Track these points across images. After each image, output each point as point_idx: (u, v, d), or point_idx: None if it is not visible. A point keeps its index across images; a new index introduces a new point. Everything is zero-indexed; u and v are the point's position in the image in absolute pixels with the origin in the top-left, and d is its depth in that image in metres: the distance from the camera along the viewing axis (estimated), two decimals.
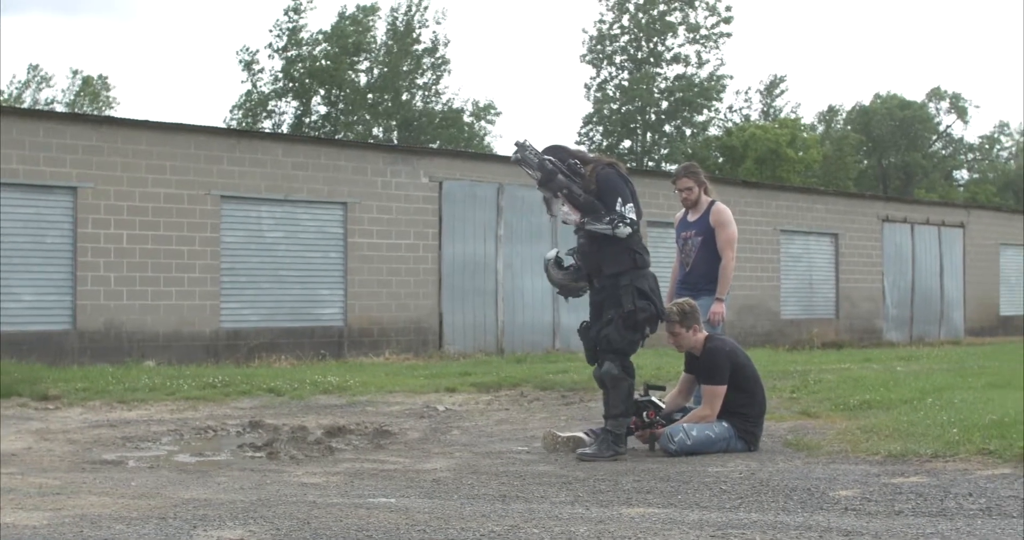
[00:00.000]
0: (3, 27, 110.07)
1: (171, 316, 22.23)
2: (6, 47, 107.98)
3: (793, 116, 72.52)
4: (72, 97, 75.23)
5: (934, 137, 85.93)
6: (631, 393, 9.69)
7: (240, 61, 66.93)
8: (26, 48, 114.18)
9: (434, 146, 59.90)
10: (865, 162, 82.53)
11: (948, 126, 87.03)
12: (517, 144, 9.67)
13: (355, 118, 67.16)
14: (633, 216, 9.63)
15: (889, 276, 37.01)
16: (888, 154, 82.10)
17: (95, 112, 69.19)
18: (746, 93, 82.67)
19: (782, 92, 78.18)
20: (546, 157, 9.63)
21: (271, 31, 70.62)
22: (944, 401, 12.11)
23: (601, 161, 9.92)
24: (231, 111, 68.06)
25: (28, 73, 78.02)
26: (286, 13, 66.32)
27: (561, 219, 9.80)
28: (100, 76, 77.09)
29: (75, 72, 76.90)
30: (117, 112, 73.70)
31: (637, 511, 6.93)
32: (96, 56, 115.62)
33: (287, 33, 65.96)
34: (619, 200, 9.58)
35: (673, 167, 64.27)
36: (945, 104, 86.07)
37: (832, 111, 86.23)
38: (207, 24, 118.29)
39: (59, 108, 71.95)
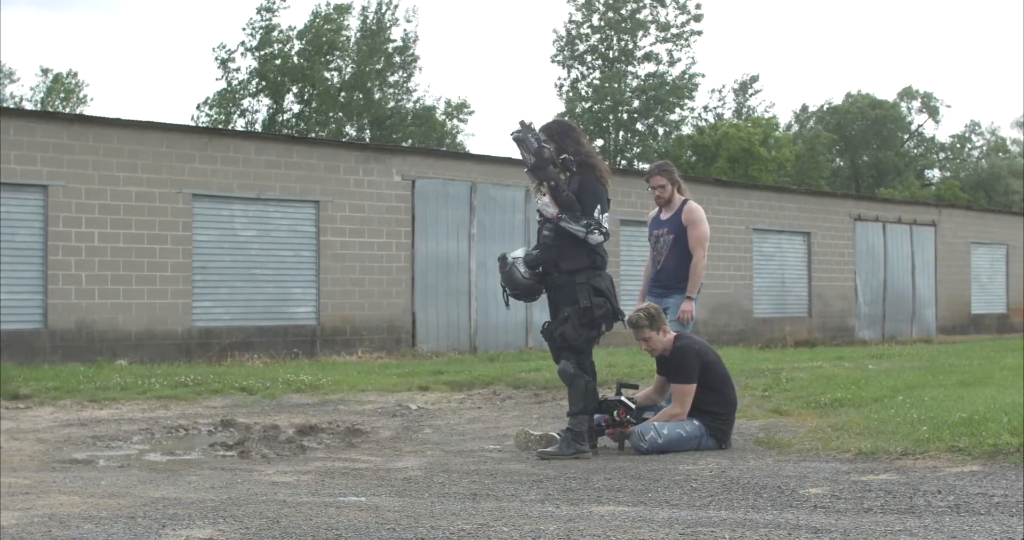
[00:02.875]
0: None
1: (143, 315, 22.15)
2: None
3: (767, 115, 72.63)
4: (42, 95, 74.81)
5: (906, 136, 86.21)
6: (590, 390, 9.66)
7: (216, 59, 66.79)
8: None
9: (407, 144, 59.84)
10: (838, 161, 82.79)
11: (920, 125, 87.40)
12: (521, 123, 9.59)
13: (328, 116, 67.05)
14: (607, 226, 9.68)
15: (861, 275, 37.14)
16: (860, 153, 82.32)
17: (68, 110, 68.83)
18: (720, 92, 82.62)
19: (756, 91, 78.33)
20: (545, 146, 9.57)
21: (244, 29, 70.46)
22: (915, 399, 12.17)
23: (590, 164, 9.87)
24: (199, 108, 67.83)
25: None
26: (259, 12, 66.17)
27: (538, 208, 9.71)
28: (71, 72, 76.68)
29: (45, 71, 76.37)
30: (90, 109, 73.43)
31: (607, 509, 6.94)
32: (66, 52, 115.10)
33: (260, 32, 65.78)
34: (598, 207, 9.59)
35: (646, 166, 64.37)
36: (917, 103, 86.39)
37: (805, 110, 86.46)
38: (182, 21, 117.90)
39: (28, 106, 71.55)
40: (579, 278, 9.57)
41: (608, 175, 9.94)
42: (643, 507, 7.02)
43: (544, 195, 9.62)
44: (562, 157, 9.69)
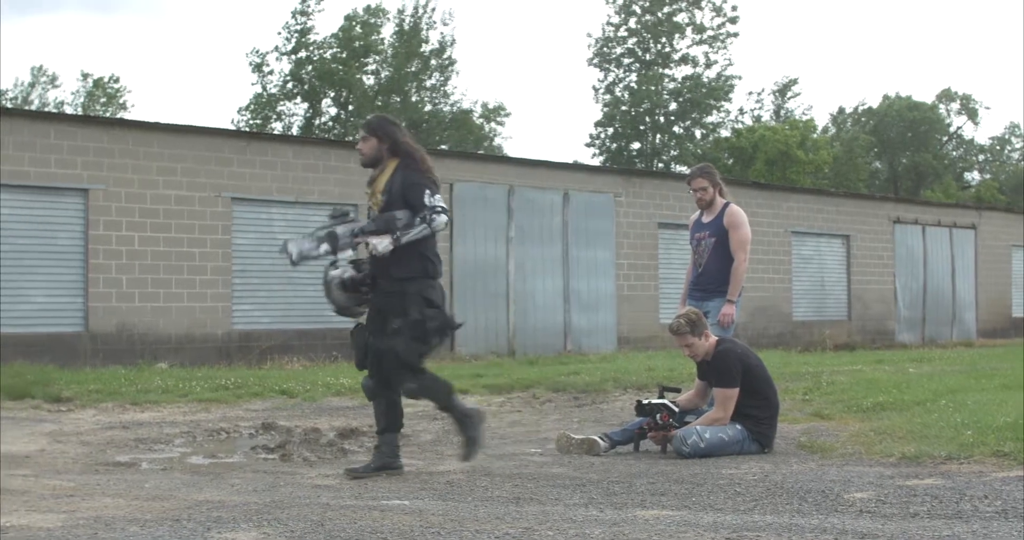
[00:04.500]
0: (30, 26, 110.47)
1: (183, 318, 22.25)
2: (16, 49, 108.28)
3: (805, 118, 72.37)
4: (83, 99, 75.23)
5: (944, 138, 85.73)
6: (394, 407, 8.99)
7: (250, 63, 66.96)
8: (35, 49, 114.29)
9: (444, 148, 59.89)
10: (876, 164, 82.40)
11: (959, 127, 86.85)
12: (282, 251, 8.91)
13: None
14: (444, 205, 8.78)
15: (901, 278, 36.96)
16: (898, 156, 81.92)
17: (109, 114, 69.20)
18: (758, 95, 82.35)
19: (794, 94, 78.05)
20: (321, 233, 8.78)
21: (279, 34, 70.68)
22: (957, 403, 12.10)
23: (412, 156, 8.94)
24: (239, 112, 68.05)
25: (32, 74, 77.93)
26: (293, 15, 66.30)
27: (373, 253, 8.59)
28: (112, 77, 77.07)
29: (85, 75, 76.77)
30: (130, 114, 73.78)
31: (651, 513, 6.91)
32: (109, 56, 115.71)
33: (295, 35, 65.94)
34: (427, 192, 8.67)
35: (683, 169, 64.25)
36: (956, 105, 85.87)
37: (842, 113, 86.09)
38: (222, 23, 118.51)
39: (69, 110, 71.93)
40: (410, 288, 8.73)
41: (430, 164, 8.97)
42: (687, 511, 6.99)
43: (369, 241, 8.60)
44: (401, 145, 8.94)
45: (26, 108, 65.12)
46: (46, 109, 69.63)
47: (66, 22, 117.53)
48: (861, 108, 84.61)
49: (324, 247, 8.62)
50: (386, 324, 8.82)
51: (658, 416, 10.04)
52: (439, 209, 8.68)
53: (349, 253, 8.57)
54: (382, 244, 8.48)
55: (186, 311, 22.35)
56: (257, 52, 66.89)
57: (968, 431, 9.64)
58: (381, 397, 8.93)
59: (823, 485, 7.90)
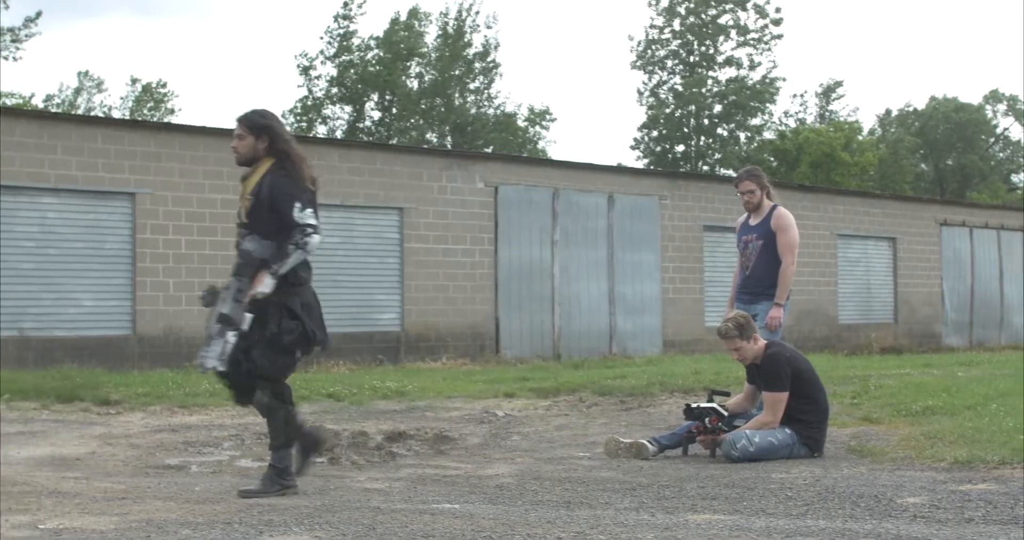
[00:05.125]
0: (80, 31, 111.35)
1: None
2: (63, 54, 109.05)
3: (850, 120, 72.03)
4: (131, 104, 75.71)
5: (991, 140, 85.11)
6: (290, 421, 8.34)
7: (298, 66, 67.19)
8: (81, 54, 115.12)
9: (489, 151, 59.93)
10: (922, 166, 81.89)
11: (1006, 129, 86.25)
12: (205, 370, 8.22)
13: (408, 123, 67.28)
14: (315, 221, 8.13)
15: (948, 280, 36.70)
16: (944, 157, 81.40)
17: (156, 119, 69.63)
18: (802, 97, 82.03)
19: (839, 96, 77.71)
20: (215, 327, 8.07)
21: (322, 38, 70.87)
22: (1009, 407, 11.99)
23: (290, 156, 8.32)
24: (284, 116, 68.29)
25: (79, 79, 78.48)
26: (336, 19, 66.49)
27: (257, 297, 7.95)
28: (160, 82, 77.57)
29: (134, 80, 77.24)
30: (177, 118, 74.22)
31: (703, 518, 6.88)
32: (156, 60, 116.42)
33: (338, 39, 66.13)
34: (296, 206, 8.02)
35: (728, 171, 64.07)
36: (1003, 107, 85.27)
37: (888, 114, 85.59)
38: (267, 27, 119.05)
39: (117, 115, 72.41)
40: (272, 297, 8.04)
41: (307, 169, 8.35)
42: (739, 516, 6.96)
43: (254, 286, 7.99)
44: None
45: (73, 113, 65.55)
46: (92, 114, 70.02)
47: (112, 26, 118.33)
48: (907, 110, 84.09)
49: (229, 333, 7.96)
50: (250, 335, 8.11)
51: (707, 420, 10.02)
52: (310, 229, 8.01)
53: (248, 316, 7.95)
54: (266, 287, 7.92)
55: None
56: (305, 55, 67.19)
57: (1020, 435, 9.55)
58: (280, 411, 8.26)
59: (875, 490, 7.86)
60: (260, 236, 8.12)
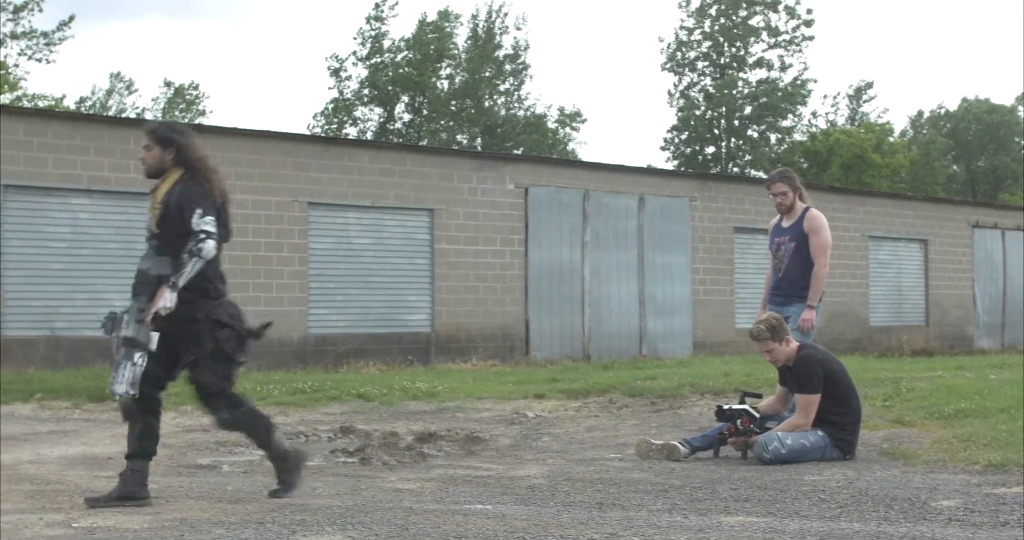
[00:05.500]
0: (114, 32, 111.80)
1: (259, 322, 22.31)
2: (96, 55, 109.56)
3: (881, 121, 71.76)
4: (163, 105, 75.99)
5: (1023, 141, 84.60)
6: (256, 414, 8.31)
7: (328, 68, 67.38)
8: (114, 55, 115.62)
9: (519, 152, 59.93)
10: (954, 167, 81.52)
11: None
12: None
13: (439, 125, 67.37)
14: (212, 228, 7.80)
15: (980, 282, 36.52)
16: (976, 159, 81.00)
17: (188, 120, 69.85)
18: (833, 98, 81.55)
19: (870, 98, 77.43)
20: (121, 352, 7.79)
21: (355, 39, 70.97)
22: None
23: (198, 167, 8.09)
24: (314, 118, 68.49)
25: (110, 81, 78.80)
26: (368, 21, 66.66)
27: (164, 314, 7.69)
28: (192, 84, 77.84)
29: (168, 83, 77.53)
30: (208, 119, 74.42)
31: (736, 520, 6.86)
32: (188, 62, 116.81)
33: (370, 40, 66.28)
34: (197, 212, 7.79)
35: (758, 173, 63.93)
36: None
37: (920, 116, 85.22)
38: (299, 29, 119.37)
39: (149, 116, 72.69)
40: (198, 314, 7.89)
41: (214, 178, 8.08)
42: (772, 518, 6.93)
43: (159, 302, 7.69)
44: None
45: (105, 114, 65.81)
46: (124, 115, 70.31)
47: (146, 28, 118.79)
48: (939, 112, 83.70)
49: (137, 355, 7.71)
50: (178, 351, 7.99)
51: (739, 421, 9.99)
52: (203, 235, 7.75)
53: (154, 336, 7.72)
54: (168, 301, 7.67)
55: (263, 315, 22.41)
56: (336, 57, 67.35)
57: None
58: (138, 420, 8.02)
59: (909, 492, 7.82)
60: (169, 246, 7.90)
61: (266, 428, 8.24)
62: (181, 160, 8.06)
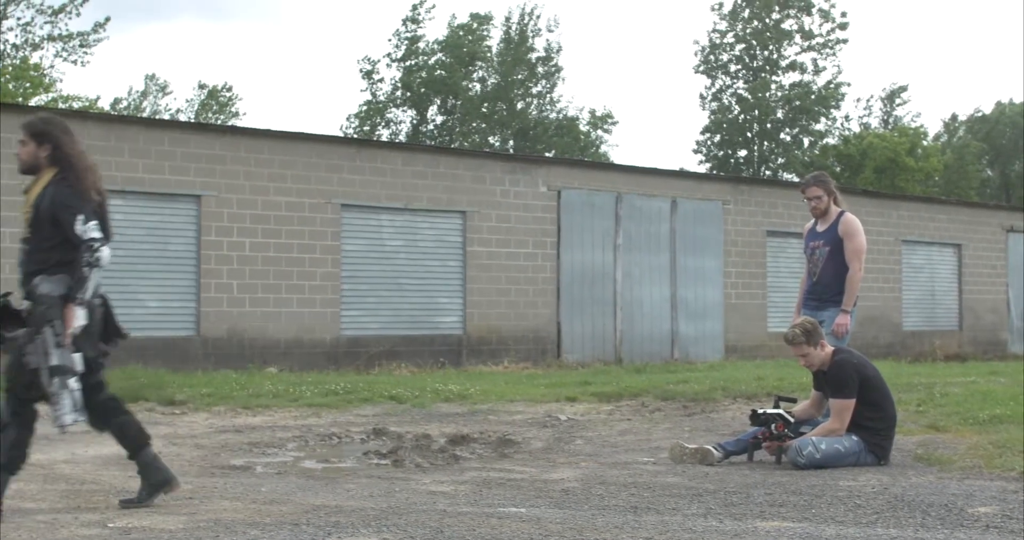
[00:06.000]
0: (149, 33, 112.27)
1: (292, 323, 22.45)
2: (131, 57, 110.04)
3: (914, 125, 71.45)
4: (196, 107, 76.31)
5: None
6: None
7: (361, 70, 67.53)
8: (149, 57, 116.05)
9: (551, 155, 59.90)
10: (988, 172, 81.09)
11: None
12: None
13: (471, 127, 67.42)
14: (98, 234, 7.41)
15: (1014, 287, 36.31)
16: (1011, 163, 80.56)
17: (221, 122, 70.10)
18: (867, 102, 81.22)
19: (903, 101, 77.09)
20: (55, 382, 7.26)
21: (390, 40, 71.10)
22: None
23: (64, 162, 7.64)
24: (348, 119, 68.66)
25: (145, 83, 79.23)
26: (404, 23, 66.81)
27: (76, 333, 7.36)
28: (225, 85, 78.13)
29: (202, 86, 77.79)
30: (242, 121, 74.64)
31: (772, 525, 6.83)
32: (221, 64, 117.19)
33: (406, 43, 66.41)
34: (79, 219, 7.35)
35: (791, 176, 63.74)
36: None
37: (954, 120, 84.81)
38: (332, 31, 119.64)
39: (182, 118, 72.97)
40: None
41: (91, 180, 7.64)
42: (808, 523, 6.90)
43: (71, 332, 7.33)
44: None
45: (140, 116, 66.12)
46: (158, 116, 70.60)
47: (180, 29, 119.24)
48: (976, 115, 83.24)
49: (71, 382, 7.28)
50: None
51: (773, 426, 9.95)
52: (96, 243, 7.36)
53: (76, 356, 7.34)
54: (79, 319, 7.37)
55: (295, 316, 22.56)
56: (368, 59, 67.51)
57: None
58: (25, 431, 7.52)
59: (945, 499, 7.77)
60: (39, 250, 7.52)
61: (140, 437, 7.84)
62: (56, 158, 7.65)
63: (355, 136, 60.97)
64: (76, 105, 56.00)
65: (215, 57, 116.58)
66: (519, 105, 68.40)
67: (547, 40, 72.07)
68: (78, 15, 54.69)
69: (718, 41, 71.24)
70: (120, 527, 6.65)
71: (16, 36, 51.97)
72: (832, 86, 70.15)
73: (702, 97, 72.03)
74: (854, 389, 9.87)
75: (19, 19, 52.37)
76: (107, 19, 67.00)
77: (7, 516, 6.99)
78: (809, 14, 70.00)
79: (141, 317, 21.00)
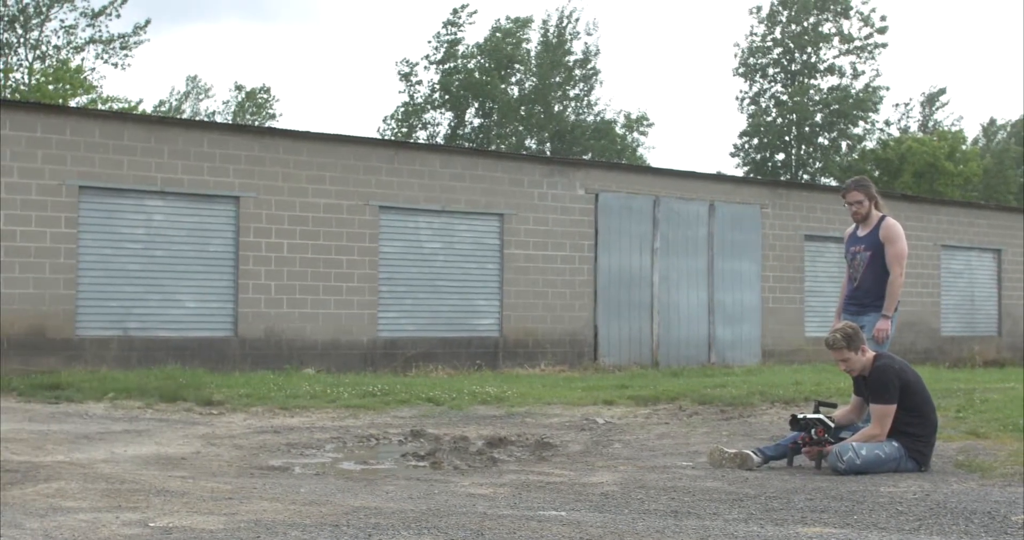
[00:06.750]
0: (193, 34, 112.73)
1: (329, 324, 22.49)
2: (169, 60, 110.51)
3: (953, 129, 71.05)
4: (234, 108, 76.56)
5: None
6: None
7: (399, 73, 67.64)
8: (191, 57, 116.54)
9: (589, 158, 59.84)
10: None
11: None
12: None
13: (508, 130, 67.44)
14: None
15: None
16: None
17: (258, 123, 70.32)
18: (906, 105, 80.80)
19: (942, 105, 76.66)
20: None
21: (429, 43, 71.17)
22: None
23: None
24: (384, 121, 68.74)
25: (187, 84, 79.66)
26: (444, 26, 66.92)
27: None
28: (263, 87, 78.34)
29: (239, 87, 78.01)
30: (279, 123, 74.83)
31: (814, 531, 6.80)
32: (262, 65, 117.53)
33: (445, 46, 66.52)
34: None
35: (830, 180, 63.51)
36: None
37: (993, 124, 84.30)
38: (371, 32, 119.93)
39: (219, 119, 73.21)
40: None
41: None
42: (850, 529, 6.86)
43: None
44: None
45: (179, 117, 66.40)
46: (198, 118, 70.89)
47: (223, 30, 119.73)
48: (1015, 119, 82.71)
49: None
50: None
51: (813, 431, 9.90)
52: None
53: None
54: None
55: (333, 318, 22.60)
56: (406, 62, 67.62)
57: None
58: None
59: (988, 506, 7.72)
60: None
61: None
62: None
63: (393, 138, 61.09)
64: (116, 107, 56.27)
65: (256, 58, 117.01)
66: (556, 108, 68.37)
67: (585, 43, 71.87)
68: (118, 17, 54.96)
69: (757, 44, 71.03)
70: (161, 527, 6.67)
71: (59, 37, 52.37)
72: (870, 89, 69.83)
73: (738, 100, 71.88)
74: (895, 394, 9.81)
75: (62, 22, 52.80)
76: (147, 22, 67.20)
77: (48, 514, 7.03)
78: (848, 17, 69.70)
79: (180, 317, 21.10)
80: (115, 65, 54.25)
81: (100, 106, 52.59)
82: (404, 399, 16.00)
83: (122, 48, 53.75)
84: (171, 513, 7.20)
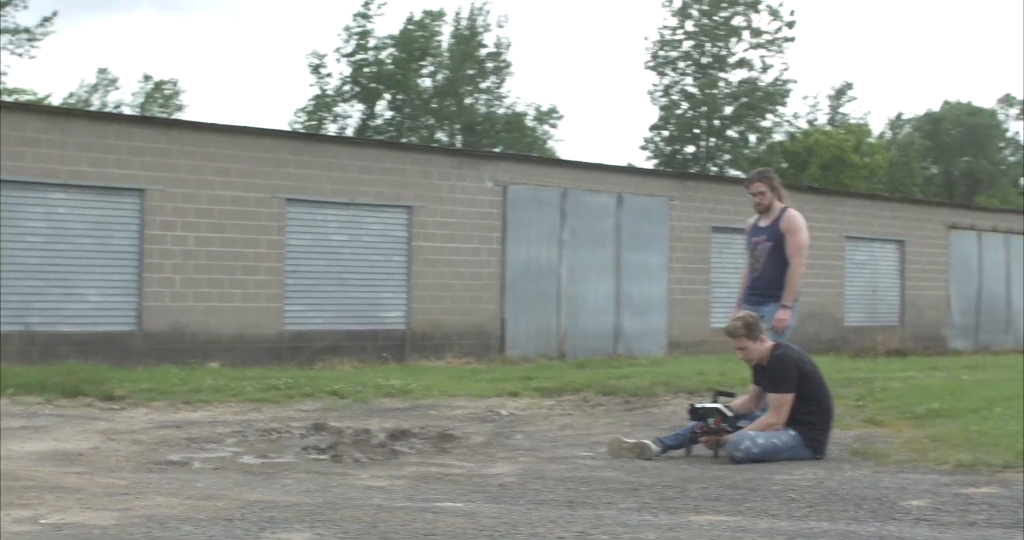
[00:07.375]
0: (106, 25, 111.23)
1: (235, 318, 22.34)
2: (80, 51, 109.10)
3: (860, 122, 71.86)
4: (142, 100, 75.73)
5: (1003, 144, 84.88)
6: None
7: (309, 65, 67.32)
8: (97, 51, 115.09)
9: (498, 150, 59.89)
10: (933, 169, 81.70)
11: (1016, 132, 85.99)
12: None
13: (419, 122, 67.36)
14: None
15: (955, 284, 36.61)
16: (954, 161, 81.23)
17: (166, 115, 69.66)
18: (814, 99, 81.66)
19: (851, 99, 77.56)
20: None
21: (339, 35, 70.85)
22: (1013, 411, 12.00)
23: None
24: (296, 114, 68.40)
25: (97, 76, 78.71)
26: (355, 18, 66.65)
27: None
28: (171, 79, 77.64)
29: (147, 78, 77.13)
30: (187, 115, 74.16)
31: (706, 519, 6.87)
32: (170, 57, 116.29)
33: (356, 37, 66.26)
34: None
35: (738, 173, 64.04)
36: (1015, 110, 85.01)
37: (900, 118, 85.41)
38: (279, 26, 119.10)
39: (127, 111, 72.36)
40: None
41: None
42: (742, 517, 6.94)
43: None
44: None
45: (86, 109, 65.63)
46: (105, 110, 70.10)
47: (136, 21, 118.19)
48: (921, 114, 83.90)
49: None
50: None
51: (711, 420, 10.01)
52: None
53: None
54: None
55: (239, 311, 22.45)
56: (316, 54, 67.31)
57: None
58: None
59: (878, 492, 7.84)
60: None
61: None
62: None
63: (302, 131, 60.78)
64: (21, 99, 55.49)
65: (169, 50, 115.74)
66: (467, 101, 68.38)
67: (496, 36, 71.95)
68: (25, 8, 54.16)
69: (667, 37, 71.40)
70: (52, 523, 6.60)
71: None
72: (779, 83, 70.49)
73: (650, 93, 72.26)
74: (793, 384, 9.93)
75: None
76: (54, 13, 66.29)
77: None
78: (757, 11, 70.29)
79: (82, 311, 20.87)
80: (21, 56, 53.56)
81: (5, 98, 51.83)
82: (308, 392, 15.92)
83: (29, 40, 53.05)
84: (64, 510, 7.12)
